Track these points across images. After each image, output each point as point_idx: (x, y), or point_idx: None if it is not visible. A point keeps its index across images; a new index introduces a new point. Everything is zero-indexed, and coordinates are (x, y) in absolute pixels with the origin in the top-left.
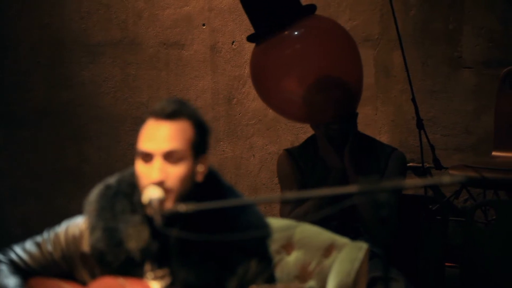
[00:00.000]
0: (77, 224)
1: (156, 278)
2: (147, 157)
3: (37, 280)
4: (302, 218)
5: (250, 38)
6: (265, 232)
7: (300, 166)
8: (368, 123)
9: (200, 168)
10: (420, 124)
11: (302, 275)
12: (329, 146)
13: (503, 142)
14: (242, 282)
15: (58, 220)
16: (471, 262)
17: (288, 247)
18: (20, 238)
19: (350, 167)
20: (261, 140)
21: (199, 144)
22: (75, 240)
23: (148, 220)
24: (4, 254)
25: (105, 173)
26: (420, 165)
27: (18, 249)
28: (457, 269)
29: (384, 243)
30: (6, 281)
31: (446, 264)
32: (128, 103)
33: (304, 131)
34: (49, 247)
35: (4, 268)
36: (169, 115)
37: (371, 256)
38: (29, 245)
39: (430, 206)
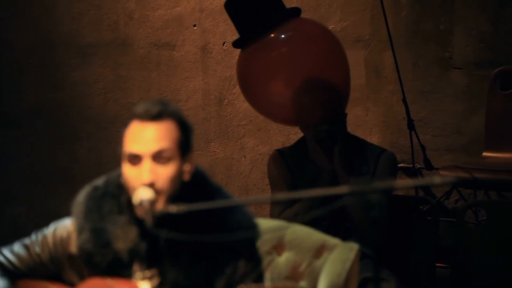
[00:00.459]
0: (65, 225)
1: (144, 278)
2: (135, 159)
3: (25, 282)
4: (292, 219)
5: (235, 44)
6: (253, 232)
7: (291, 167)
8: (359, 123)
9: (187, 167)
10: (411, 125)
11: (293, 276)
12: (319, 148)
13: (493, 142)
14: (231, 282)
15: (48, 222)
16: (462, 263)
17: (279, 247)
18: (11, 240)
19: (340, 168)
20: (252, 141)
21: (185, 143)
22: (62, 242)
23: (136, 221)
24: None
25: (96, 174)
26: (411, 165)
27: (6, 251)
28: (448, 269)
29: (375, 243)
30: None
31: (437, 264)
32: (119, 104)
33: (295, 132)
34: (37, 249)
35: None
36: (154, 116)
37: (362, 256)
38: (17, 247)
39: (421, 207)
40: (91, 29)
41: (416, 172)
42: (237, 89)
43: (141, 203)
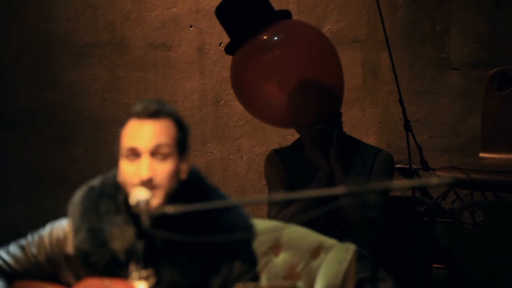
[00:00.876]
0: (61, 226)
1: (141, 278)
2: (134, 155)
3: (22, 283)
4: (289, 219)
5: (227, 50)
6: (249, 233)
7: (287, 167)
8: (355, 124)
9: (184, 166)
10: (407, 126)
11: (290, 277)
12: (315, 148)
13: (490, 143)
14: (226, 282)
15: (45, 222)
16: (459, 263)
17: (275, 248)
18: (7, 240)
19: (337, 167)
20: (249, 142)
21: (182, 142)
22: (59, 242)
23: (133, 220)
24: None
25: (92, 174)
26: (408, 166)
27: (2, 252)
28: (445, 270)
29: (371, 244)
30: None
31: (434, 265)
32: (115, 105)
33: (292, 133)
34: (34, 250)
35: None
36: (152, 114)
37: (358, 257)
38: (14, 248)
39: (418, 207)
40: (87, 30)
41: (412, 172)
42: None
43: (137, 203)
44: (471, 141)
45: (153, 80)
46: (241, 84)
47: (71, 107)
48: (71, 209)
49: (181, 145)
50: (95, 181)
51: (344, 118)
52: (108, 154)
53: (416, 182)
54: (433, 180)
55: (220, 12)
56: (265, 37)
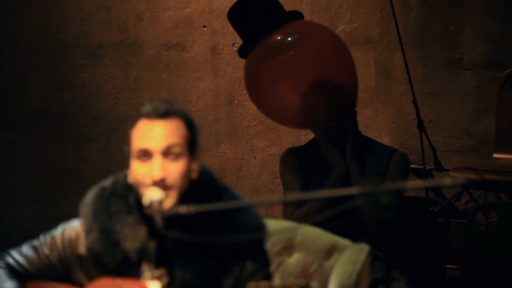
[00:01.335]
0: (73, 226)
1: (153, 278)
2: (146, 156)
3: (34, 283)
4: (304, 218)
5: (240, 53)
6: (262, 233)
7: (302, 165)
8: (369, 125)
9: (195, 166)
10: (421, 126)
11: (303, 277)
12: (330, 146)
13: (503, 144)
14: (238, 282)
15: (56, 223)
16: (473, 264)
17: (289, 249)
18: (18, 241)
19: (352, 165)
20: (262, 142)
21: (193, 142)
22: (71, 243)
23: (144, 220)
24: (1, 258)
25: (105, 175)
26: (421, 167)
27: (15, 253)
28: (458, 271)
29: (385, 244)
30: (4, 285)
31: (448, 266)
32: (128, 105)
33: (306, 133)
34: (46, 250)
35: (1, 272)
36: (163, 114)
37: (372, 258)
38: (26, 249)
39: (432, 208)
40: (100, 30)
41: (426, 173)
42: None
43: (150, 203)
44: (484, 141)
45: (166, 80)
46: (255, 85)
47: (83, 108)
48: (83, 209)
49: (191, 144)
50: (107, 182)
51: (357, 118)
52: (120, 154)
53: (429, 182)
54: (447, 181)
55: (232, 15)
56: (278, 38)
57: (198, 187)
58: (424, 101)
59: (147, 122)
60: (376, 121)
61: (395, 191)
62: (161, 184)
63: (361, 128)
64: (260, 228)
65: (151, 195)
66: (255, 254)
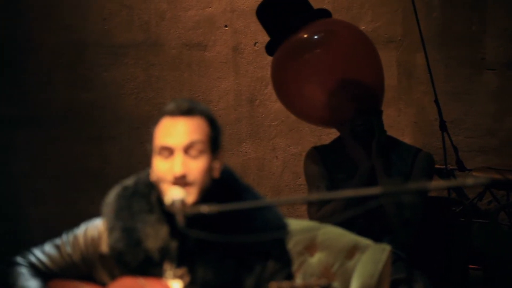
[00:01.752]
0: (96, 225)
1: (175, 277)
2: (167, 152)
3: (57, 282)
4: (329, 217)
5: (268, 50)
6: (283, 232)
7: (327, 163)
8: (391, 124)
9: (216, 164)
10: (443, 126)
11: (325, 277)
12: (356, 144)
13: None
14: (260, 281)
15: (79, 222)
16: (495, 265)
17: (311, 248)
18: (41, 240)
19: (378, 162)
20: (284, 141)
21: (215, 140)
22: (93, 242)
23: (166, 219)
24: (24, 257)
25: (127, 174)
26: (444, 167)
27: (37, 252)
28: (480, 271)
29: (407, 244)
30: (27, 284)
31: (470, 266)
32: (151, 104)
33: (327, 133)
34: (68, 249)
35: (25, 271)
36: (185, 112)
37: (394, 258)
38: (49, 247)
39: (454, 208)
40: (122, 30)
41: (448, 173)
42: (269, 90)
43: (172, 203)
44: (507, 141)
45: (188, 79)
46: (282, 83)
47: (106, 107)
48: (105, 208)
49: (213, 143)
50: (129, 181)
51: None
52: (143, 153)
53: (452, 182)
54: (469, 181)
55: (261, 12)
56: (305, 36)
57: (219, 186)
58: (446, 101)
59: (169, 120)
60: (398, 121)
61: (418, 191)
62: (181, 180)
63: None
64: (282, 228)
65: (173, 194)
66: (277, 254)
